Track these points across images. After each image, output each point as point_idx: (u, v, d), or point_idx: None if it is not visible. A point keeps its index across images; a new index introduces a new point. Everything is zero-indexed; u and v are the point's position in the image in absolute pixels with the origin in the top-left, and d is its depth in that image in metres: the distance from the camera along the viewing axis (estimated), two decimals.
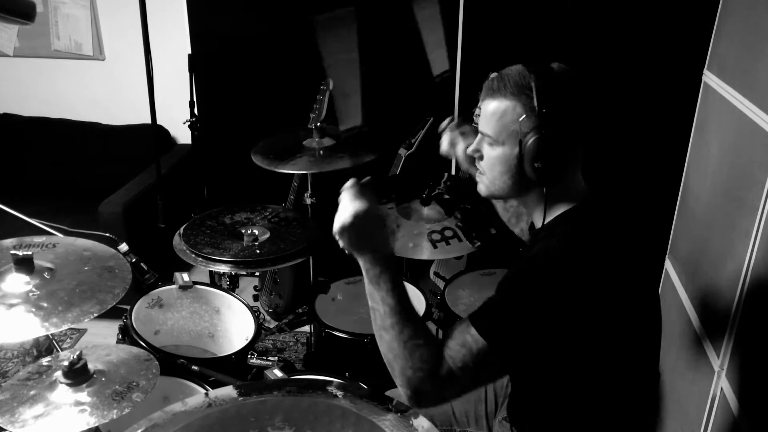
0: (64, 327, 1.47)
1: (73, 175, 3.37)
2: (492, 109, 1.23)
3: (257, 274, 3.03)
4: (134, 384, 1.47)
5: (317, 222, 2.31)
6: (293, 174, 2.67)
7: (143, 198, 2.91)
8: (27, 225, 1.90)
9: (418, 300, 2.31)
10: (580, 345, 1.17)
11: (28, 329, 1.44)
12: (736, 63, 1.79)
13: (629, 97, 2.63)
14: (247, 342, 2.04)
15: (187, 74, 2.75)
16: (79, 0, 3.31)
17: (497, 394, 1.63)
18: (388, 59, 2.85)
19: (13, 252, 1.54)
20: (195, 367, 1.87)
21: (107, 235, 1.95)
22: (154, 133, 2.73)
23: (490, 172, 1.28)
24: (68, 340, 2.89)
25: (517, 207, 1.67)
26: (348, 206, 1.20)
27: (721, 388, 1.62)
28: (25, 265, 1.55)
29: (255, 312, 2.18)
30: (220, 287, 2.33)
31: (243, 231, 2.18)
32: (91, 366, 1.49)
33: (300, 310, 2.69)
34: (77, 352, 1.47)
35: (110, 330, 2.30)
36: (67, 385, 1.45)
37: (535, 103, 1.17)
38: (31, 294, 1.51)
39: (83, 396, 1.43)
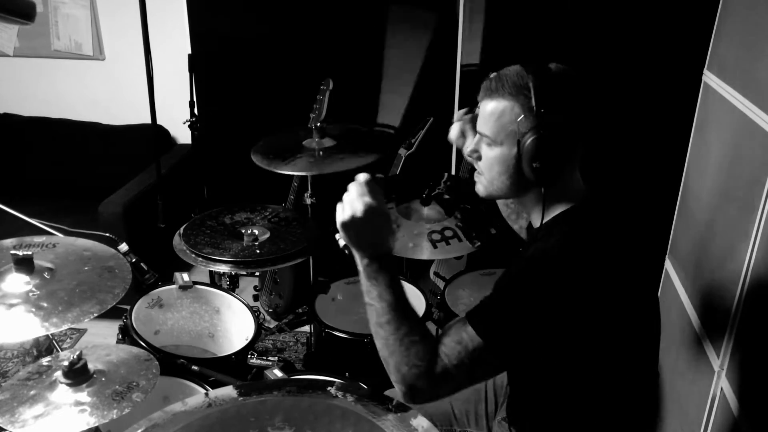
0: (64, 327, 1.47)
1: (73, 175, 3.37)
2: (490, 110, 1.23)
3: (257, 274, 3.03)
4: (134, 384, 1.47)
5: (317, 222, 2.31)
6: (293, 174, 2.67)
7: (143, 198, 2.91)
8: (27, 225, 1.90)
9: (418, 300, 2.31)
10: (577, 345, 1.17)
11: (28, 329, 1.44)
12: (736, 63, 1.79)
13: (629, 96, 2.63)
14: (247, 342, 2.04)
15: (187, 74, 2.75)
16: (79, 0, 3.31)
17: (497, 394, 1.62)
18: (389, 59, 2.85)
19: (13, 252, 1.54)
20: (195, 367, 1.87)
21: (107, 235, 1.95)
22: (154, 133, 2.73)
23: (489, 173, 1.28)
24: (68, 340, 2.89)
25: (517, 205, 1.67)
26: (358, 201, 1.19)
27: (721, 388, 1.62)
28: (25, 265, 1.55)
29: (255, 312, 2.18)
30: (220, 287, 2.33)
31: (243, 231, 2.19)
32: (91, 366, 1.49)
33: (300, 310, 2.69)
34: (77, 352, 1.47)
35: (110, 330, 2.30)
36: (67, 385, 1.45)
37: (533, 104, 1.17)
38: (31, 294, 1.51)
39: (83, 396, 1.43)
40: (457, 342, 1.14)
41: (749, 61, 1.68)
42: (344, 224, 1.20)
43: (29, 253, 1.56)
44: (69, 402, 1.41)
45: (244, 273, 2.99)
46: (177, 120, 3.01)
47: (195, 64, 2.77)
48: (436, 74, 2.83)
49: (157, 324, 2.21)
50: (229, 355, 2.00)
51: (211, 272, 2.77)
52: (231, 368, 1.95)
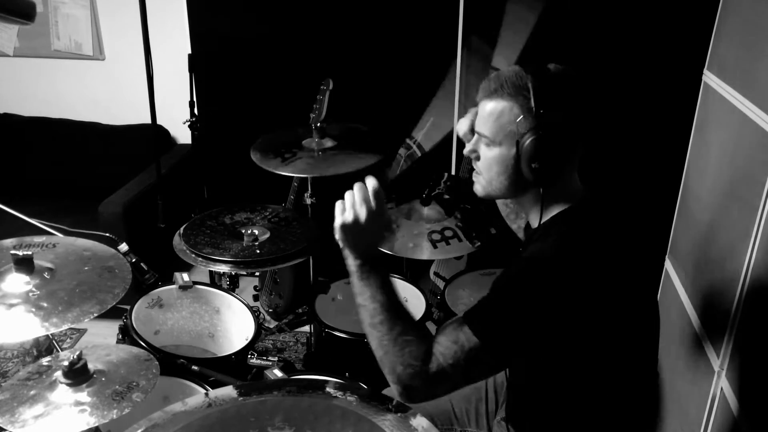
0: (64, 327, 1.47)
1: (73, 175, 3.37)
2: (489, 110, 1.23)
3: (257, 274, 3.03)
4: (134, 384, 1.47)
5: (317, 222, 2.31)
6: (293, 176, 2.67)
7: (143, 198, 2.91)
8: (27, 225, 1.90)
9: (418, 300, 2.31)
10: (575, 345, 1.17)
11: (28, 329, 1.44)
12: (736, 63, 1.79)
13: (629, 96, 2.63)
14: (247, 342, 2.04)
15: (187, 74, 2.75)
16: (79, 0, 3.31)
17: (498, 393, 1.62)
18: (389, 59, 2.85)
19: (13, 252, 1.54)
20: (195, 367, 1.87)
21: (107, 235, 1.95)
22: (154, 133, 2.73)
23: (487, 173, 1.28)
24: (68, 340, 2.89)
25: (515, 205, 1.67)
26: (361, 206, 1.20)
27: (721, 388, 1.62)
28: (25, 265, 1.55)
29: (255, 312, 2.18)
30: (220, 287, 2.33)
31: (243, 231, 2.19)
32: (91, 366, 1.49)
33: (300, 310, 2.69)
34: (77, 352, 1.47)
35: (110, 330, 2.30)
36: (67, 385, 1.45)
37: (533, 104, 1.17)
38: (31, 294, 1.51)
39: (83, 396, 1.43)
40: (453, 341, 1.14)
41: (749, 61, 1.68)
42: (344, 227, 1.21)
43: (29, 253, 1.56)
44: (69, 402, 1.41)
45: (244, 273, 2.98)
46: (177, 120, 3.01)
47: (195, 64, 2.77)
48: (437, 74, 2.83)
49: (157, 324, 2.21)
50: (229, 355, 2.00)
51: (211, 272, 2.77)
52: (231, 368, 1.95)
